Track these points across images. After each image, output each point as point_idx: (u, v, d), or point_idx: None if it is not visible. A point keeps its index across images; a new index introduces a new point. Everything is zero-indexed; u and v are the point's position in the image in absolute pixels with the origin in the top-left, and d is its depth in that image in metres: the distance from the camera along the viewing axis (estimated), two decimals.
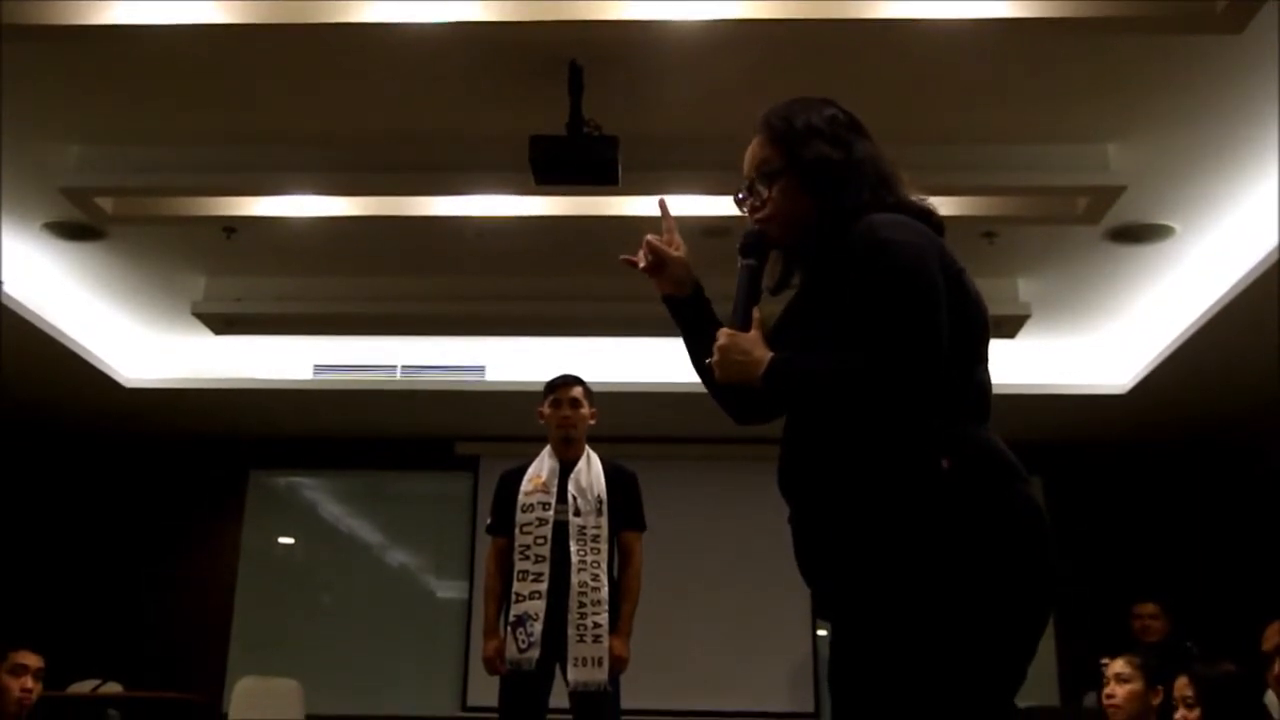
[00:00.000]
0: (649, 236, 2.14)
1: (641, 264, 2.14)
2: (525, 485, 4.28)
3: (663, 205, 2.20)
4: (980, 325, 1.90)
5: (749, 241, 2.02)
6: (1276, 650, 3.41)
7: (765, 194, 2.00)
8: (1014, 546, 1.76)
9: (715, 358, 1.93)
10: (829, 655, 1.92)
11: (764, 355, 1.88)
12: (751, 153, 2.03)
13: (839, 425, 1.84)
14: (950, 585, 1.72)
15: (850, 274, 1.83)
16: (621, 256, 2.19)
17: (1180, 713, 3.49)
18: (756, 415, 2.08)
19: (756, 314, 1.95)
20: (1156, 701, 3.83)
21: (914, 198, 1.97)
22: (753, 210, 2.02)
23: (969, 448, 1.80)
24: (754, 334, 1.92)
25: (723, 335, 1.93)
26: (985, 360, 1.92)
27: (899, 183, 1.97)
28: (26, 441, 7.90)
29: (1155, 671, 3.89)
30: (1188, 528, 7.89)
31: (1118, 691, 3.86)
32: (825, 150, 1.95)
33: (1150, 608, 6.51)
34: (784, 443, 1.95)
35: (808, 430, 1.91)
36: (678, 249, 2.13)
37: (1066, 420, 7.39)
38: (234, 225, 5.46)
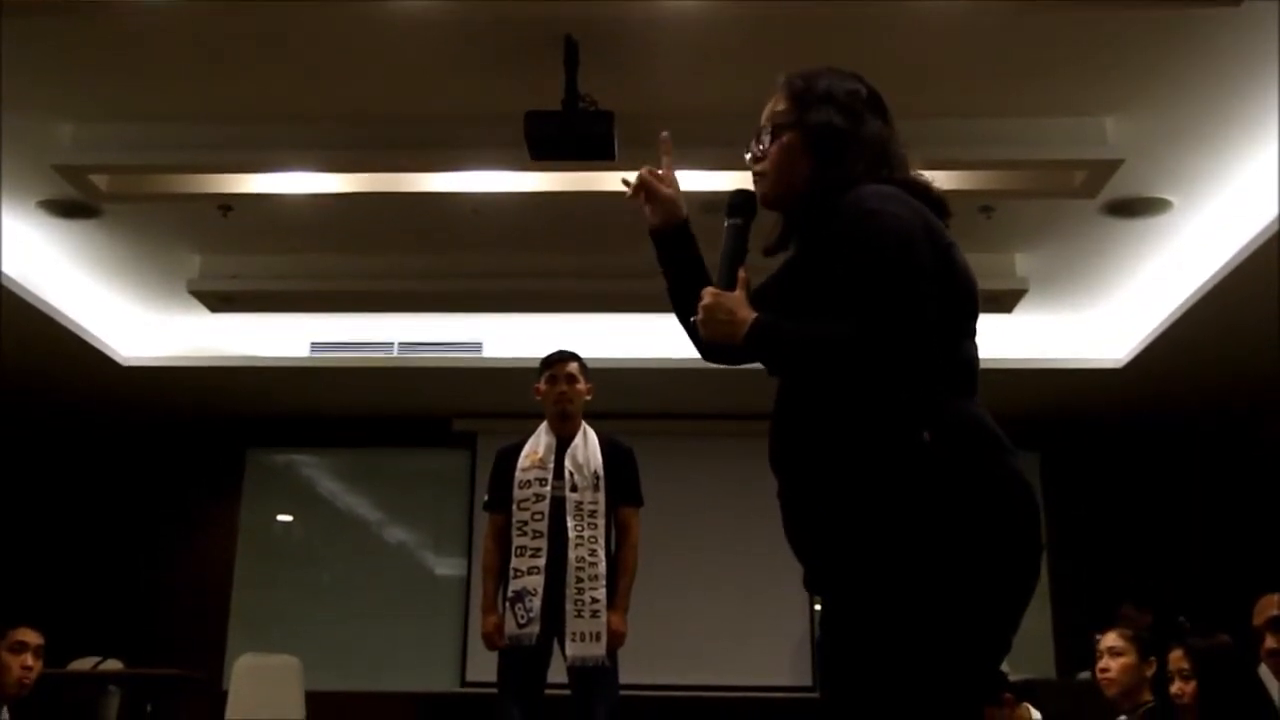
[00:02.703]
0: (645, 169, 2.18)
1: (630, 190, 2.19)
2: (522, 461, 4.28)
3: (665, 142, 2.21)
4: (968, 300, 1.91)
5: (735, 201, 2.05)
6: (1267, 625, 3.41)
7: (767, 146, 2.02)
8: (995, 517, 1.76)
9: (699, 316, 1.94)
10: (819, 628, 1.93)
11: (748, 316, 1.89)
12: (770, 106, 2.06)
13: (822, 395, 1.85)
14: (930, 556, 1.73)
15: (834, 242, 1.85)
16: (622, 178, 2.23)
17: (1176, 684, 3.50)
18: (724, 358, 2.10)
19: (742, 274, 1.96)
20: (1150, 673, 3.84)
21: (908, 174, 1.98)
22: (754, 160, 2.05)
23: (951, 420, 1.81)
24: (739, 294, 1.93)
25: (708, 294, 1.94)
26: (972, 335, 1.93)
27: (903, 166, 1.98)
28: (24, 420, 7.90)
29: (1148, 644, 3.91)
30: (1183, 501, 7.91)
31: (1111, 665, 3.87)
32: (832, 117, 1.97)
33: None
34: (773, 418, 1.96)
35: (795, 405, 1.92)
36: (670, 186, 2.17)
37: (1063, 395, 7.39)
38: (230, 203, 5.44)
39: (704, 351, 2.11)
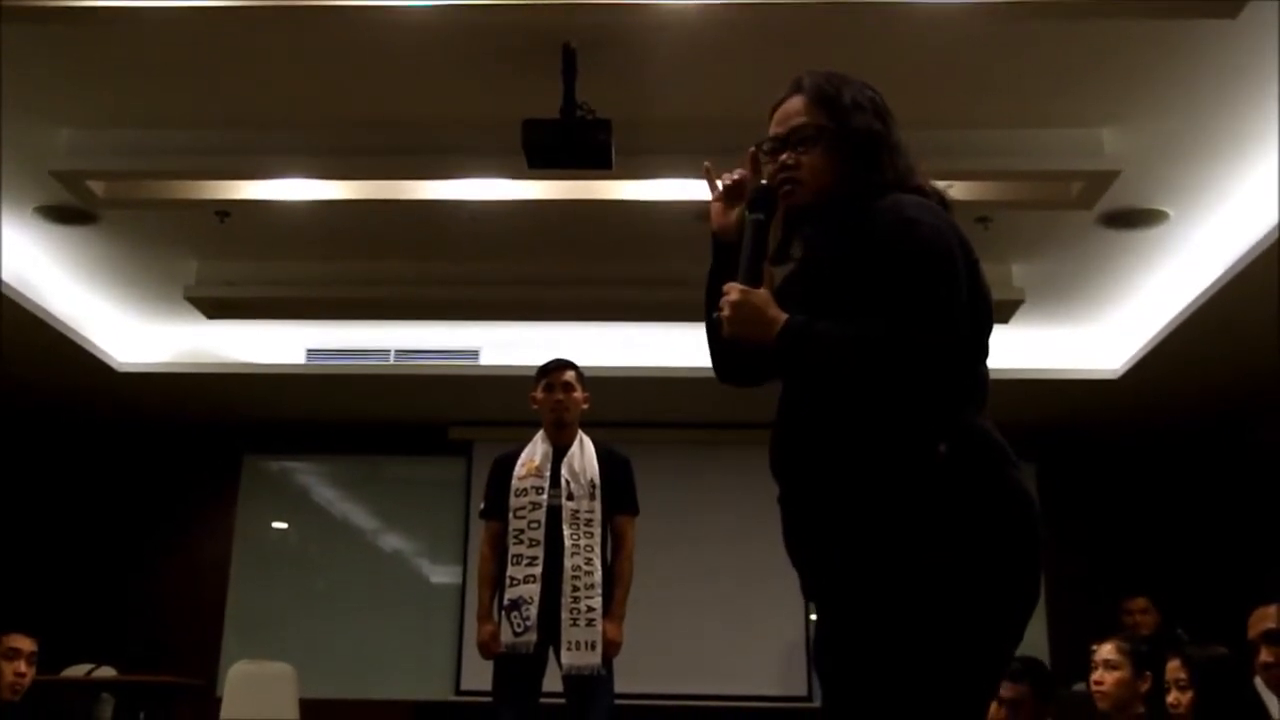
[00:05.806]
0: (732, 177, 2.08)
1: (720, 184, 2.08)
2: (519, 470, 4.28)
3: (749, 155, 2.09)
4: (985, 318, 1.92)
5: (758, 196, 2.00)
6: (1261, 638, 3.41)
7: (799, 154, 1.97)
8: (1002, 530, 1.77)
9: (726, 313, 1.88)
10: (815, 636, 1.92)
11: (779, 315, 1.85)
12: (791, 110, 2.00)
13: (835, 402, 1.84)
14: (938, 568, 1.73)
15: (870, 248, 1.83)
16: (706, 164, 2.13)
17: (1173, 695, 3.49)
18: (744, 377, 2.07)
19: (768, 270, 1.92)
20: (1144, 688, 3.82)
21: (929, 185, 1.99)
22: (781, 168, 1.98)
23: (965, 434, 1.81)
24: (765, 292, 1.89)
25: (734, 290, 1.89)
26: (986, 352, 1.93)
27: (915, 170, 1.99)
28: (19, 426, 7.88)
29: (1144, 658, 3.88)
30: (1180, 512, 7.91)
31: (1105, 679, 3.85)
32: (872, 122, 1.96)
33: (1141, 602, 6.49)
34: (776, 423, 1.95)
35: (801, 411, 1.91)
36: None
37: (1059, 405, 7.39)
38: (226, 209, 5.44)
39: (719, 354, 2.06)
